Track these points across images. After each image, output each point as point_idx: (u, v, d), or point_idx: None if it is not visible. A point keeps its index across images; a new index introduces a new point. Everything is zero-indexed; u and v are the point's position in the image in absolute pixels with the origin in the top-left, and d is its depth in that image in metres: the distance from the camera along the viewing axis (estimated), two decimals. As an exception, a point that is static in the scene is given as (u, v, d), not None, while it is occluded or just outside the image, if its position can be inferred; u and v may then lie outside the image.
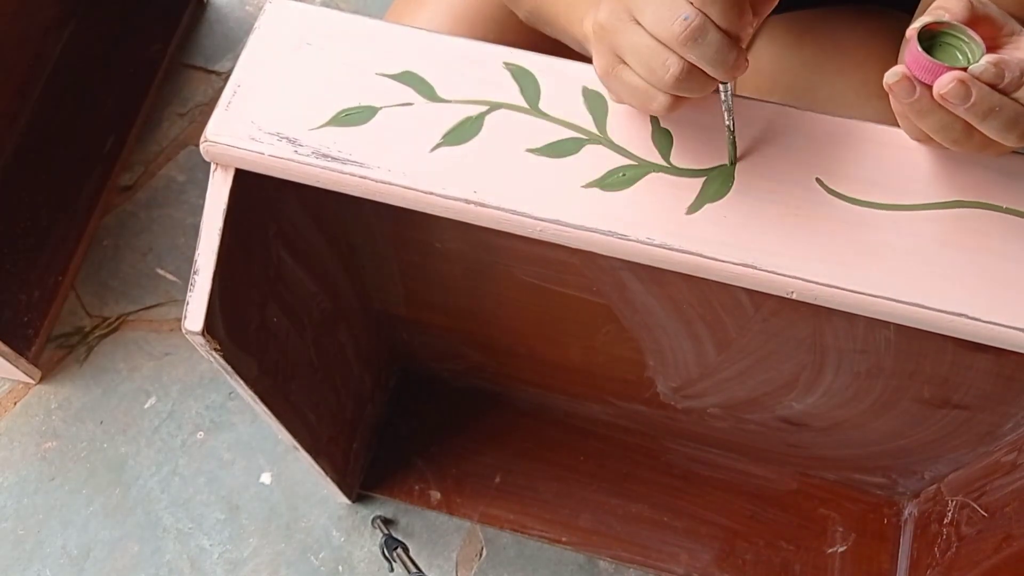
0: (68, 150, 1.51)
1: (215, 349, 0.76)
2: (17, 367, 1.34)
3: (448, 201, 0.68)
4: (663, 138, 0.70)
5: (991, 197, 0.68)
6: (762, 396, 1.07)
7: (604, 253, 0.68)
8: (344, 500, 1.29)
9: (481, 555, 1.29)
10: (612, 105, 0.71)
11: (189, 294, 0.73)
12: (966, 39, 0.59)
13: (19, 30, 1.42)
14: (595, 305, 0.98)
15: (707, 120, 0.71)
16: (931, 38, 0.60)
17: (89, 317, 1.45)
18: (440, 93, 0.71)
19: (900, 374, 0.94)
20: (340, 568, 1.28)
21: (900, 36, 0.65)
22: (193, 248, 0.75)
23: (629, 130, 0.70)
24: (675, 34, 0.58)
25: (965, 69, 0.57)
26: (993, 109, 0.58)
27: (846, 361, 0.95)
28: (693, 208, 0.68)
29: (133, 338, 1.43)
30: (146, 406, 1.39)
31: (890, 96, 0.60)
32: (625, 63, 0.62)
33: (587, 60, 0.70)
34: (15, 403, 1.39)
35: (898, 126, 0.69)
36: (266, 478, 1.34)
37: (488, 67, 0.73)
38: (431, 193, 0.68)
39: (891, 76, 0.59)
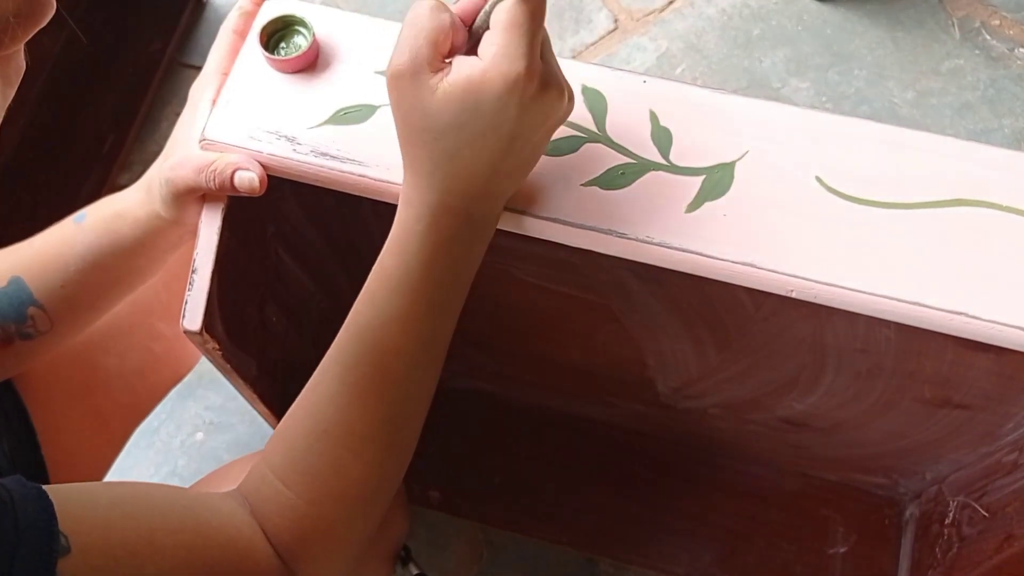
0: (67, 150, 1.51)
1: (214, 348, 0.76)
2: (17, 367, 1.34)
3: (447, 200, 0.68)
4: (663, 136, 0.70)
5: (991, 195, 0.68)
6: (763, 396, 1.07)
7: (603, 252, 0.68)
8: (344, 500, 1.29)
9: (481, 556, 1.29)
10: (611, 103, 0.71)
11: (188, 293, 0.73)
12: None
13: (19, 30, 1.42)
14: (595, 305, 0.98)
15: (707, 119, 0.71)
16: None
17: (89, 317, 1.45)
18: (439, 92, 0.71)
19: (901, 374, 0.94)
20: (340, 569, 1.28)
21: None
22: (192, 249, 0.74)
23: (628, 128, 0.70)
24: None
25: None
26: None
27: (847, 361, 0.95)
28: (693, 206, 0.68)
29: (133, 338, 1.43)
30: (146, 406, 1.38)
31: None
32: None
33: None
34: (15, 403, 1.39)
35: (899, 125, 0.69)
36: (266, 478, 1.34)
37: (487, 65, 0.72)
38: (430, 192, 0.68)
39: None
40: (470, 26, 0.63)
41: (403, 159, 0.64)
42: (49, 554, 0.52)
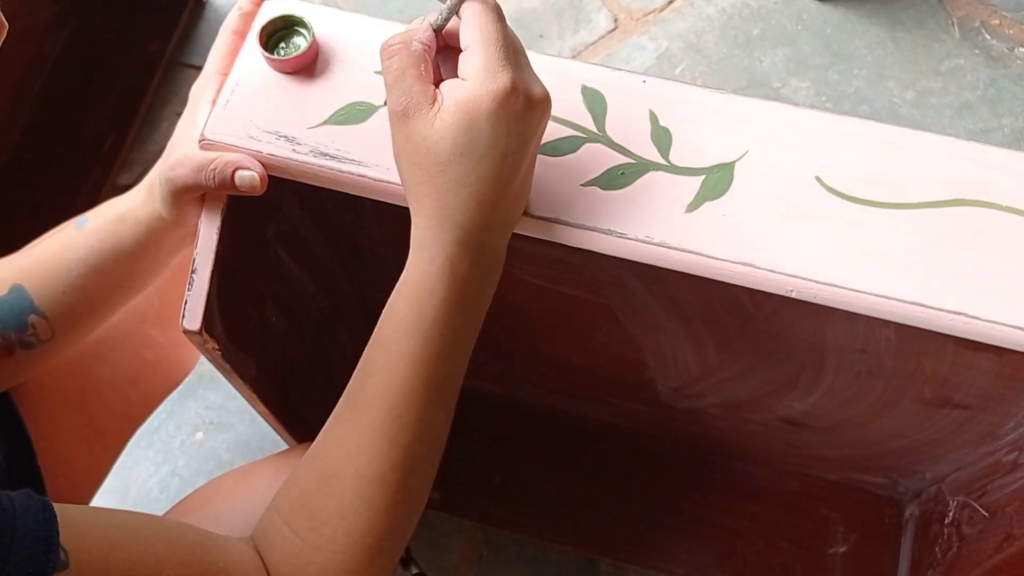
0: (67, 150, 1.51)
1: (213, 348, 0.76)
2: (17, 368, 1.34)
3: (446, 200, 0.68)
4: (662, 136, 0.70)
5: (991, 195, 0.68)
6: (763, 396, 1.07)
7: (603, 252, 0.68)
8: (344, 500, 1.29)
9: (481, 556, 1.29)
10: (611, 103, 0.71)
11: (187, 292, 0.73)
12: None
13: (19, 30, 1.42)
14: (595, 305, 0.98)
15: (707, 118, 0.71)
16: None
17: (89, 317, 1.44)
18: (438, 91, 0.71)
19: (900, 374, 0.94)
20: (340, 568, 1.28)
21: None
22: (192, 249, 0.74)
23: (628, 128, 0.70)
24: None
25: None
26: None
27: (846, 361, 0.95)
28: (692, 206, 0.67)
29: (133, 338, 1.43)
30: (145, 406, 1.38)
31: None
32: None
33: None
34: (15, 403, 1.39)
35: (899, 124, 0.69)
36: (266, 478, 1.34)
37: (487, 65, 0.72)
38: (429, 192, 0.68)
39: None
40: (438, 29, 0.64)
41: (411, 204, 0.64)
42: (44, 564, 0.52)
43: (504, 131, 0.60)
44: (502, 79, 0.59)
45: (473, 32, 0.60)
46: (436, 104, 0.60)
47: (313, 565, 0.65)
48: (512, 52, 0.61)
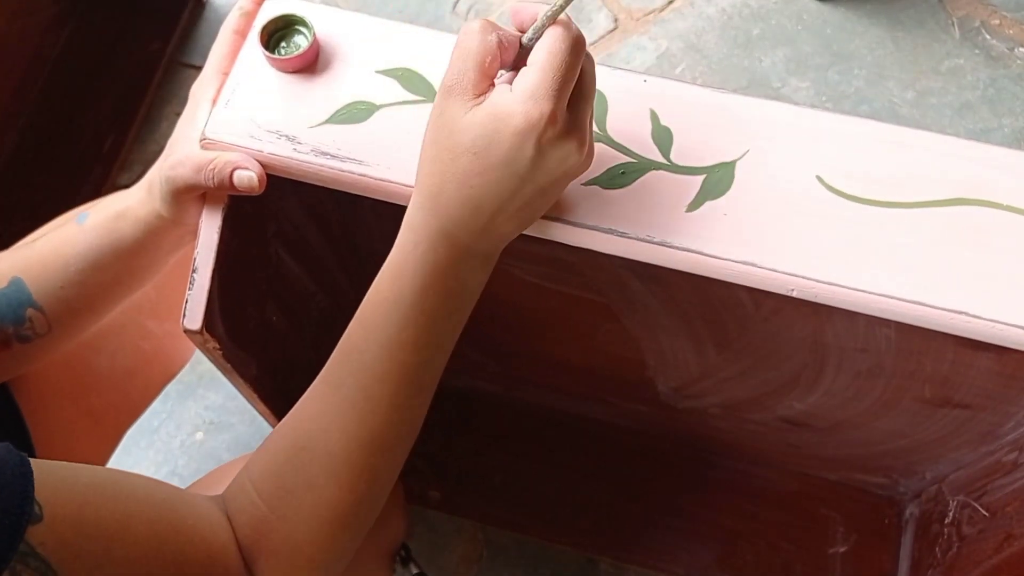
0: (67, 150, 1.51)
1: (214, 348, 0.76)
2: (17, 367, 1.34)
3: (447, 199, 0.68)
4: (663, 136, 0.70)
5: (992, 195, 0.68)
6: (763, 396, 1.07)
7: (604, 251, 0.68)
8: (344, 500, 1.29)
9: (481, 556, 1.29)
10: (612, 103, 0.71)
11: (188, 292, 0.73)
12: None
13: (19, 29, 1.42)
14: (595, 304, 0.98)
15: (707, 118, 0.71)
16: None
17: (88, 317, 1.44)
18: (440, 91, 0.71)
19: (901, 373, 0.94)
20: (340, 568, 1.28)
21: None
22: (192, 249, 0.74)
23: (629, 128, 0.70)
24: None
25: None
26: None
27: (847, 360, 0.95)
28: (693, 206, 0.68)
29: (132, 338, 1.43)
30: (145, 406, 1.38)
31: None
32: None
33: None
34: (14, 403, 1.39)
35: (899, 124, 0.69)
36: (266, 478, 1.34)
37: (488, 65, 0.72)
38: (430, 191, 0.68)
39: None
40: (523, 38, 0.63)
41: (416, 178, 0.64)
42: (20, 516, 0.53)
43: (524, 155, 0.60)
44: (543, 106, 0.59)
45: (541, 53, 0.60)
46: (479, 98, 0.60)
47: (277, 533, 0.67)
48: (568, 87, 0.60)
